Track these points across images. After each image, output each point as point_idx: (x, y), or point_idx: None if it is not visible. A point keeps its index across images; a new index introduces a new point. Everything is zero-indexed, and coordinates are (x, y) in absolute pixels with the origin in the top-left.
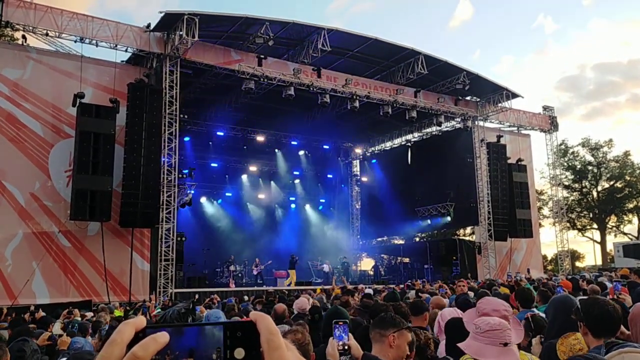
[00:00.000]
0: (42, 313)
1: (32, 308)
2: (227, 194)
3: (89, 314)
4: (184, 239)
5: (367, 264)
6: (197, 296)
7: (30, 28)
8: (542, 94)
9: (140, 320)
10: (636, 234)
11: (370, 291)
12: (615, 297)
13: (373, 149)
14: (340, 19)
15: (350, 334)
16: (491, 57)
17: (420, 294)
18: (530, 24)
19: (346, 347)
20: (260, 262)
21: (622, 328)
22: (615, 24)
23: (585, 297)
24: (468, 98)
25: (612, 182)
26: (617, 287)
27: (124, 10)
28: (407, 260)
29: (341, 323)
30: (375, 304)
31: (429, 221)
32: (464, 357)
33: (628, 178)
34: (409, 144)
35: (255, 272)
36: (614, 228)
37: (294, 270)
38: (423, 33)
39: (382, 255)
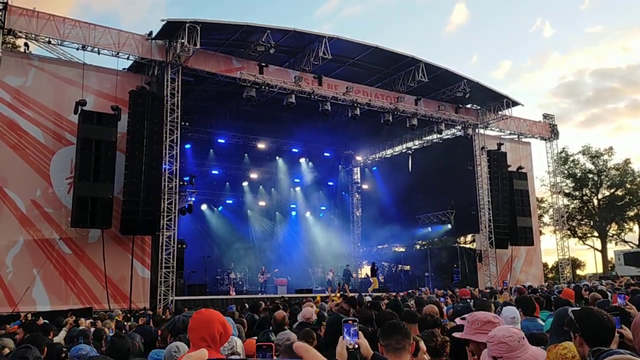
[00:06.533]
0: (42, 320)
1: (30, 316)
2: (227, 201)
3: (88, 322)
4: (184, 246)
5: (367, 272)
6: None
7: (33, 36)
8: (540, 100)
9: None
10: (637, 242)
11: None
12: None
13: (374, 156)
14: (330, 23)
15: (360, 333)
16: (489, 62)
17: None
18: (528, 29)
19: (356, 346)
20: (267, 270)
21: (630, 335)
22: (614, 29)
23: (577, 308)
24: (468, 106)
25: (612, 190)
26: (620, 300)
27: (112, 13)
28: (407, 267)
29: (350, 322)
30: (381, 313)
31: (429, 229)
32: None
33: (629, 186)
34: (410, 151)
35: (261, 280)
36: (615, 236)
37: (376, 278)
38: (418, 37)
39: (382, 263)
